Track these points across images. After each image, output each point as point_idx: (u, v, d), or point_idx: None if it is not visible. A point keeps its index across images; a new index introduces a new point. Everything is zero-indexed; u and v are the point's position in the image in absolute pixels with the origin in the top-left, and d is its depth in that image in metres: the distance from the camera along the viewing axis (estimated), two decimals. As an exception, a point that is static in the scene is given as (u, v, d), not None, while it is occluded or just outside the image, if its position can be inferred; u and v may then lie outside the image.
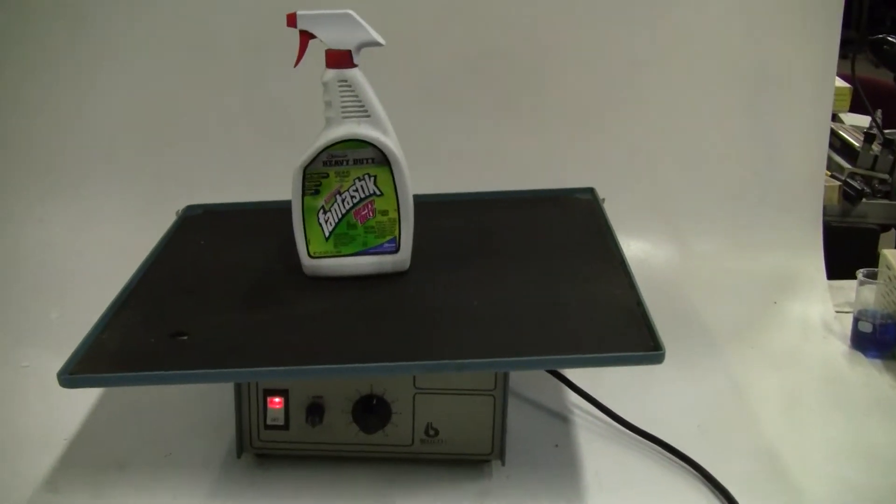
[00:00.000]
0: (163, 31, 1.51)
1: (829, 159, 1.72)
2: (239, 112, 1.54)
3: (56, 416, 1.16)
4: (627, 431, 1.15)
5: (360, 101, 1.07)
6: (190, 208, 1.36)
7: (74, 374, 0.96)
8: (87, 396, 1.19)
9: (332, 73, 1.07)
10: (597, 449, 1.13)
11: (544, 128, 1.56)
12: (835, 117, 1.98)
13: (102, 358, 0.99)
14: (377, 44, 1.06)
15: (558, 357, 0.98)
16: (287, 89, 1.50)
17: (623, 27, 1.53)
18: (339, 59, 1.06)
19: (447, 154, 1.53)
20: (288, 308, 1.09)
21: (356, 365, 0.96)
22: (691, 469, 1.08)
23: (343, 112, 1.08)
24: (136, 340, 1.03)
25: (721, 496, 1.04)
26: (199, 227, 1.32)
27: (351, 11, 1.05)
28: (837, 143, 1.90)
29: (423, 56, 1.51)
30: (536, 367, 1.05)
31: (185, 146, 1.54)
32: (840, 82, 1.89)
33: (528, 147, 1.56)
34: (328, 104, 1.08)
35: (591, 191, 1.37)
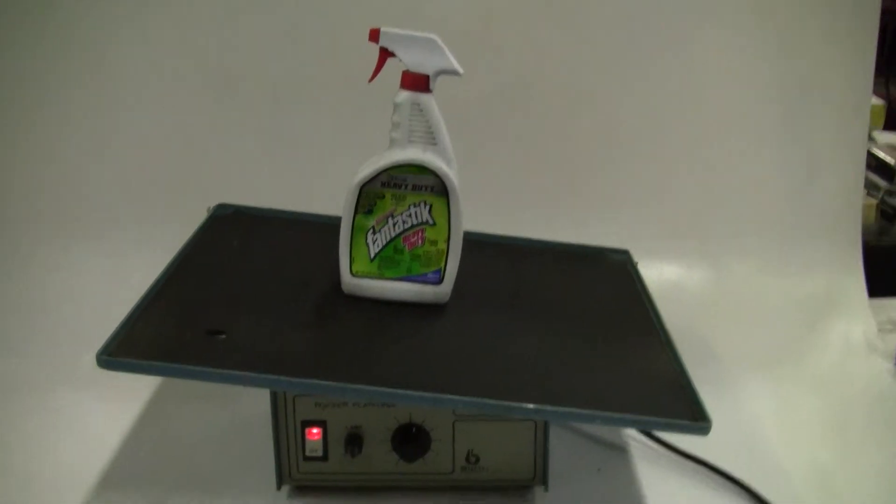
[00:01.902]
0: (180, 69, 1.51)
1: (865, 178, 1.70)
2: (261, 147, 1.54)
3: (91, 452, 1.14)
4: (672, 454, 1.13)
5: (429, 128, 1.06)
6: (220, 207, 1.35)
7: (113, 356, 0.94)
8: (121, 431, 1.18)
9: (405, 95, 1.05)
10: (642, 472, 1.11)
11: (571, 156, 1.55)
12: (869, 136, 1.96)
13: (139, 346, 0.97)
14: (456, 73, 1.05)
15: (607, 414, 0.95)
16: (310, 124, 1.50)
17: (653, 50, 1.52)
18: (416, 82, 1.05)
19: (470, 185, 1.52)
20: (326, 325, 1.07)
21: (401, 391, 0.94)
22: (742, 491, 1.06)
23: (411, 136, 1.06)
24: (171, 333, 1.01)
25: (773, 518, 1.02)
26: (230, 228, 1.30)
27: (435, 37, 1.04)
28: (873, 162, 1.88)
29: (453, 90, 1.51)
30: (584, 420, 1.03)
31: (208, 186, 1.53)
32: (874, 100, 1.87)
33: (555, 172, 1.55)
34: (396, 125, 1.06)
35: (626, 252, 1.35)
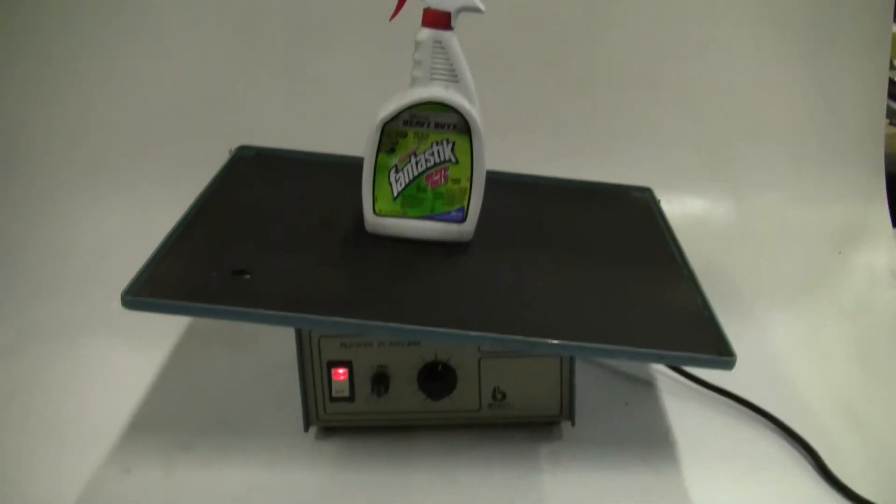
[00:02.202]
0: (202, 16, 1.50)
1: (888, 107, 1.67)
2: (285, 92, 1.53)
3: (120, 398, 1.15)
4: (698, 387, 1.13)
5: (451, 66, 1.05)
6: (243, 149, 1.34)
7: (138, 296, 0.94)
8: (149, 376, 1.19)
9: (427, 33, 1.04)
10: (668, 405, 1.11)
11: (598, 87, 1.53)
12: (891, 64, 1.93)
13: (165, 285, 0.96)
14: (478, 10, 1.04)
15: (632, 349, 0.95)
16: (333, 67, 1.50)
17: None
18: (438, 19, 1.04)
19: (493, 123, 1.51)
20: (350, 265, 1.07)
21: (426, 328, 0.94)
22: (767, 422, 1.07)
23: (433, 74, 1.05)
24: (197, 273, 1.01)
25: (800, 447, 1.02)
26: (252, 170, 1.30)
27: None
28: (895, 91, 1.86)
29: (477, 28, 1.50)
30: (609, 356, 1.03)
31: (233, 132, 1.53)
32: (894, 29, 1.85)
33: (582, 107, 1.53)
34: (418, 63, 1.05)
35: (648, 190, 1.34)
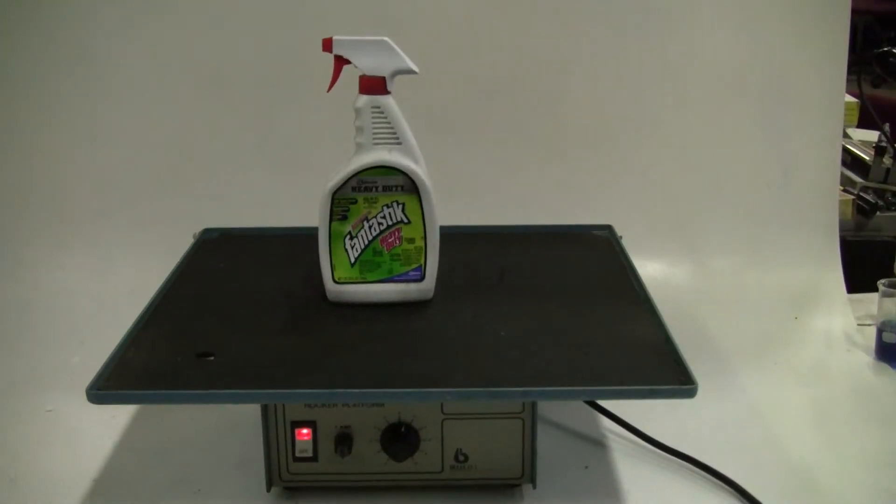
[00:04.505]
0: (169, 67, 1.53)
1: (841, 174, 1.72)
2: (252, 147, 1.55)
3: (83, 458, 1.15)
4: (658, 451, 1.14)
5: (391, 129, 1.07)
6: (207, 231, 1.37)
7: (103, 390, 0.94)
8: (112, 437, 1.19)
9: (365, 99, 1.07)
10: (628, 469, 1.12)
11: (556, 153, 1.56)
12: (844, 133, 1.98)
13: (130, 375, 0.98)
14: (411, 72, 1.07)
15: (593, 388, 0.97)
16: (299, 121, 1.52)
17: (631, 50, 1.54)
18: (373, 85, 1.06)
19: (460, 185, 1.54)
20: (313, 334, 1.08)
21: (386, 390, 0.95)
22: (726, 486, 1.07)
23: (374, 139, 1.07)
24: (162, 359, 1.02)
25: (759, 511, 1.03)
26: (216, 251, 1.32)
27: (387, 39, 1.05)
28: (848, 159, 1.90)
29: (434, 86, 1.52)
30: (571, 397, 1.04)
31: (200, 185, 1.55)
32: (847, 97, 1.89)
33: (542, 172, 1.56)
34: (359, 130, 1.07)
35: (608, 228, 1.37)
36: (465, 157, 1.55)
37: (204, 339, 1.06)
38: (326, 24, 1.46)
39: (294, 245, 1.27)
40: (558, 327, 1.09)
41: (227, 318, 1.12)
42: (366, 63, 1.06)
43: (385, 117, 1.07)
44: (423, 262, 1.12)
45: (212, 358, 1.01)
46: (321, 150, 1.45)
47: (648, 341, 1.05)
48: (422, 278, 1.13)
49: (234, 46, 1.52)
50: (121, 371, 0.98)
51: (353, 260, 1.11)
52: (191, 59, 1.52)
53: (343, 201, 1.09)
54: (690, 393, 0.94)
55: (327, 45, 1.06)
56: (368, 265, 1.11)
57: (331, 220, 1.10)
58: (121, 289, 1.49)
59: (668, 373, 0.97)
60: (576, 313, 1.13)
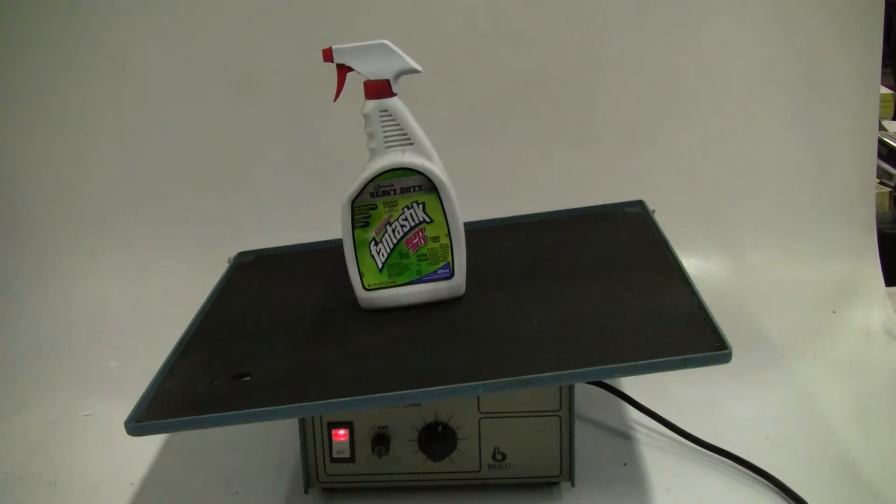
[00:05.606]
0: (204, 76, 1.54)
1: (877, 166, 1.70)
2: (283, 153, 1.56)
3: (121, 462, 1.16)
4: (696, 446, 1.14)
5: (402, 130, 1.07)
6: (242, 255, 1.37)
7: (141, 421, 0.95)
8: (151, 442, 1.19)
9: (371, 104, 1.07)
10: (666, 466, 1.11)
11: (591, 148, 1.56)
12: (879, 125, 1.96)
13: (167, 404, 0.98)
14: (414, 71, 1.07)
15: (624, 365, 0.94)
16: (330, 127, 1.52)
17: (666, 43, 1.53)
18: (378, 89, 1.06)
19: (493, 180, 1.54)
20: (347, 343, 1.08)
21: (419, 390, 0.94)
22: (765, 481, 1.06)
23: (386, 142, 1.07)
24: (199, 385, 1.02)
25: (800, 507, 1.02)
26: (252, 273, 1.33)
27: (386, 41, 1.05)
28: (883, 151, 1.88)
29: (464, 83, 1.52)
30: (602, 376, 1.01)
31: (233, 191, 1.56)
32: (882, 90, 1.88)
33: (576, 167, 1.56)
34: (370, 135, 1.07)
35: (640, 203, 1.35)
36: (499, 151, 1.55)
37: (240, 360, 1.06)
38: (356, 27, 1.47)
39: (327, 258, 1.27)
40: (592, 309, 1.08)
41: (262, 338, 1.12)
42: (368, 68, 1.06)
43: (394, 119, 1.07)
44: (450, 258, 1.12)
45: (247, 378, 1.01)
46: (345, 161, 1.46)
47: (682, 311, 1.02)
48: (451, 275, 1.12)
49: (269, 53, 1.53)
50: (158, 401, 0.99)
51: (380, 265, 1.11)
52: (225, 68, 1.53)
53: (363, 208, 1.09)
54: (725, 358, 0.91)
55: (327, 55, 1.06)
56: (396, 268, 1.11)
57: (353, 229, 1.10)
58: (155, 294, 1.50)
59: (702, 341, 0.95)
60: (609, 291, 1.11)
